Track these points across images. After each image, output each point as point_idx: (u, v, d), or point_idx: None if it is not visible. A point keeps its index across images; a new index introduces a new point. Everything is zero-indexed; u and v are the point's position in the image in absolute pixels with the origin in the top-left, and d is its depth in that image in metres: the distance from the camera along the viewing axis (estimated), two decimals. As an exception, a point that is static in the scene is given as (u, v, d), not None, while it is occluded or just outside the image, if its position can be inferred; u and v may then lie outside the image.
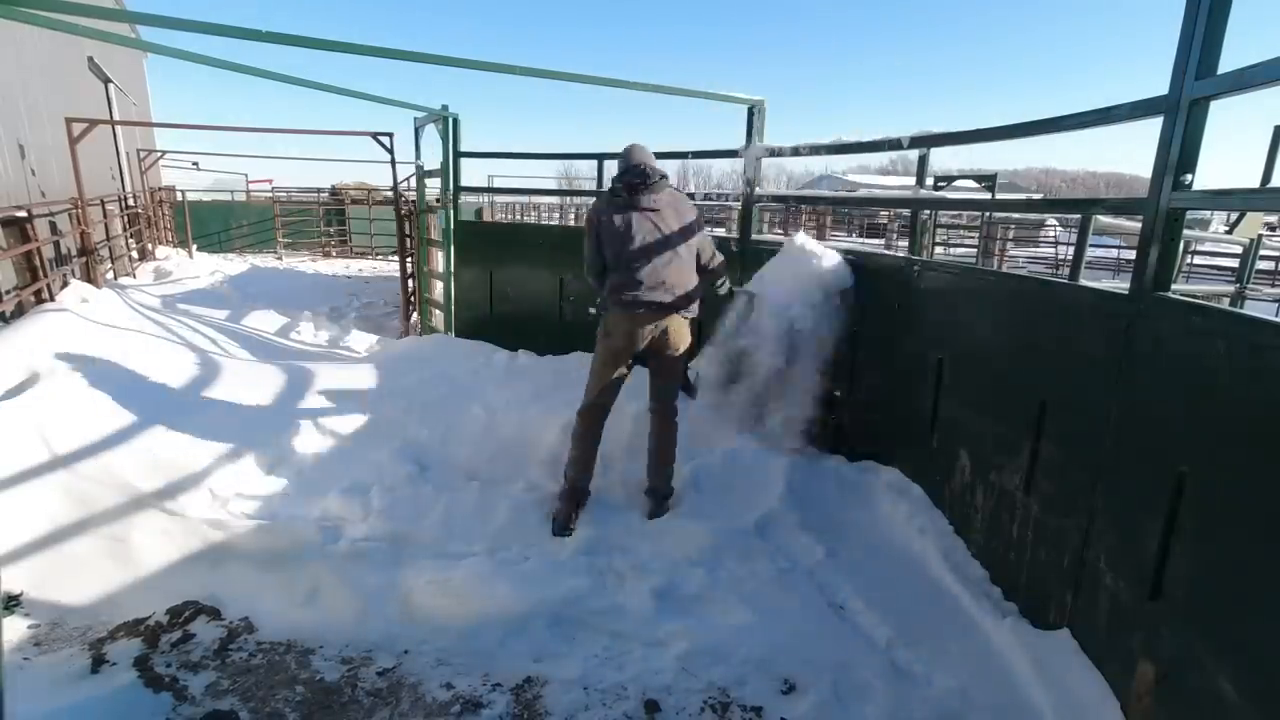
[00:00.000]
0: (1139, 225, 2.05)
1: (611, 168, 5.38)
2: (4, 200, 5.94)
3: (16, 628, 2.24)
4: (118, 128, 11.70)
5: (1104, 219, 5.14)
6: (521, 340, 5.53)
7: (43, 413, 3.07)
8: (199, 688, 2.07)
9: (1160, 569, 1.84)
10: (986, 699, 2.13)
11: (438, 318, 6.29)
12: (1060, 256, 13.99)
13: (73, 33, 3.54)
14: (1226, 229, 9.25)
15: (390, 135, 8.93)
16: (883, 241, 16.42)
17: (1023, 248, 16.70)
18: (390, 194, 11.05)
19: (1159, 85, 1.97)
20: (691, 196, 5.14)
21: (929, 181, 3.56)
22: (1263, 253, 9.43)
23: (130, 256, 10.11)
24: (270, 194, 18.47)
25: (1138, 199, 2.07)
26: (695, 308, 3.19)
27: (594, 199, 3.32)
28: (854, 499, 3.30)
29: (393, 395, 4.41)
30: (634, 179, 3.02)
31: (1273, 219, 14.08)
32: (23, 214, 5.76)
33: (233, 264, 11.97)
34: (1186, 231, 2.57)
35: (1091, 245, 3.04)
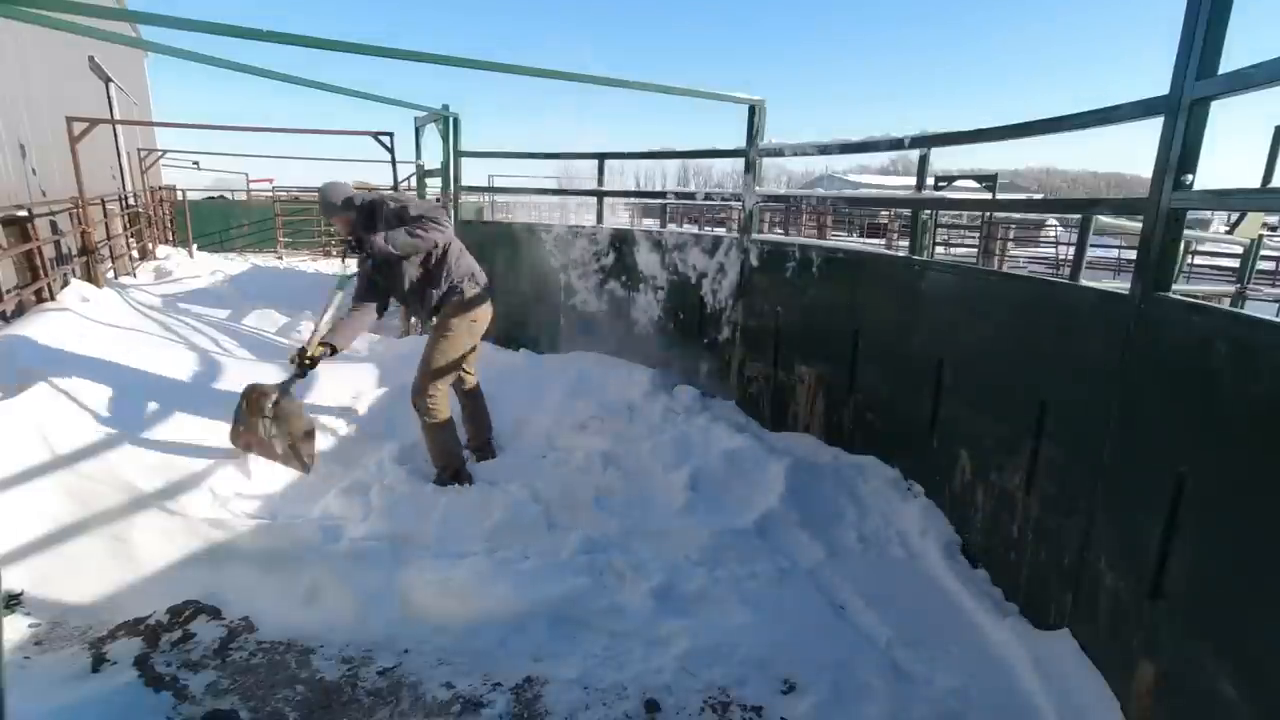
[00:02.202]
0: (1140, 225, 2.05)
1: (612, 167, 5.40)
2: (5, 199, 5.94)
3: (17, 627, 2.24)
4: (118, 127, 11.69)
5: (1105, 219, 5.14)
6: (522, 339, 5.53)
7: (43, 413, 3.07)
8: (199, 687, 2.07)
9: (1160, 569, 1.84)
10: (986, 699, 2.13)
11: (438, 317, 6.28)
12: (1061, 257, 13.98)
13: (73, 32, 3.53)
14: (1227, 229, 9.24)
15: (390, 135, 8.93)
16: (883, 241, 16.42)
17: (1023, 248, 16.70)
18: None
19: (1159, 85, 1.98)
20: (692, 196, 5.15)
21: (929, 181, 3.56)
22: (1263, 253, 9.44)
23: (131, 256, 10.10)
24: (271, 193, 18.45)
25: (1138, 199, 2.07)
26: None
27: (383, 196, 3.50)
28: (854, 499, 3.30)
29: (393, 394, 4.41)
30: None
31: (1273, 219, 14.07)
32: (23, 213, 5.76)
33: (233, 263, 11.96)
34: (1187, 231, 2.57)
35: (1092, 245, 3.05)
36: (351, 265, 3.53)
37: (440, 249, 3.37)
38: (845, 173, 43.24)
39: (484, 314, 3.51)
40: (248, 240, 15.75)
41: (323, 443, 3.72)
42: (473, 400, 3.77)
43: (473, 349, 3.57)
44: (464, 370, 3.66)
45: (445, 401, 3.46)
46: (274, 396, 3.24)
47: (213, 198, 17.14)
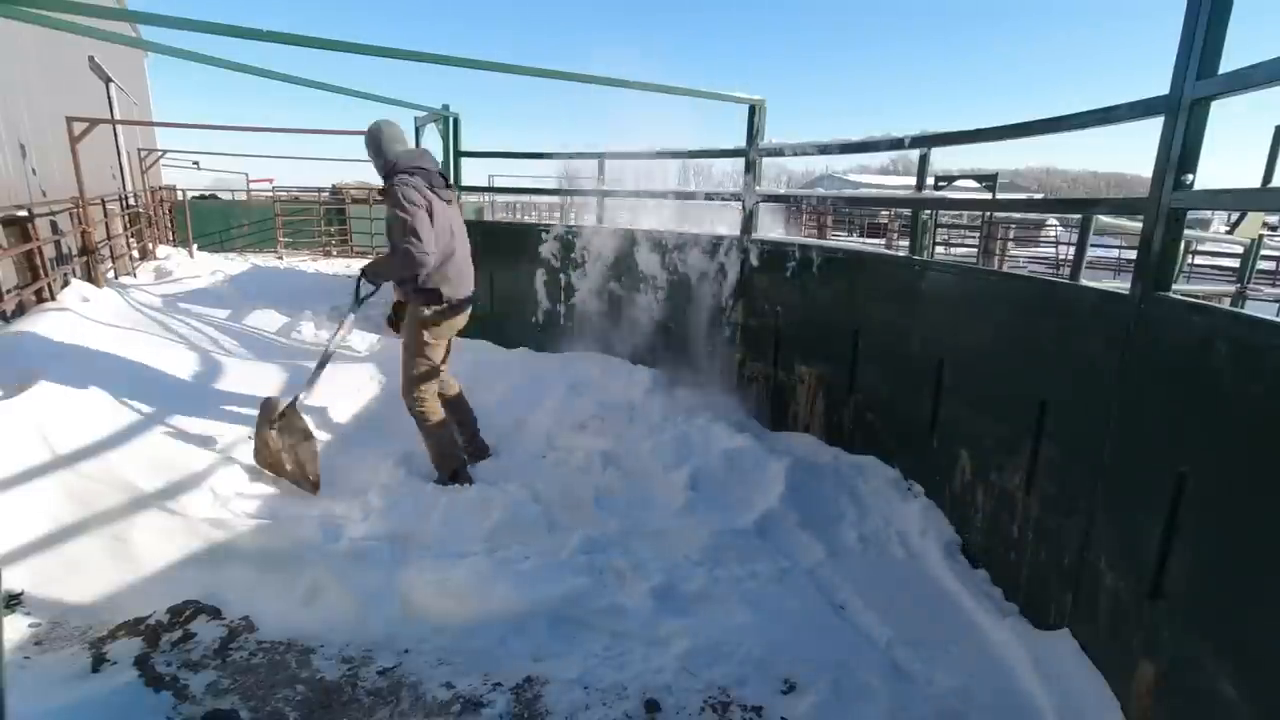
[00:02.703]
0: (1140, 225, 2.05)
1: (612, 167, 5.41)
2: (5, 199, 5.94)
3: (17, 626, 2.24)
4: (118, 127, 11.68)
5: (1105, 219, 5.14)
6: (521, 338, 5.54)
7: (43, 412, 3.07)
8: (199, 687, 2.07)
9: (1160, 569, 1.84)
10: (987, 699, 2.13)
11: (438, 317, 6.28)
12: (1061, 256, 13.99)
13: (73, 32, 3.53)
14: (1227, 229, 9.24)
15: (391, 135, 8.91)
16: (883, 241, 16.42)
17: (1023, 248, 16.71)
18: (391, 193, 11.00)
19: (1159, 85, 1.98)
20: (692, 196, 5.15)
21: (929, 181, 3.56)
22: (1263, 253, 9.44)
23: (131, 256, 10.10)
24: (271, 193, 18.45)
25: (1138, 199, 2.07)
26: None
27: (404, 178, 3.12)
28: (854, 499, 3.30)
29: (393, 393, 4.41)
30: (431, 167, 3.24)
31: (1273, 219, 14.07)
32: (24, 213, 5.76)
33: (233, 263, 11.96)
34: (1187, 231, 2.57)
35: (1092, 245, 3.05)
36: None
37: (431, 263, 3.21)
38: (845, 173, 43.22)
39: (452, 321, 3.41)
40: (248, 240, 15.74)
41: (323, 442, 3.72)
42: (462, 398, 3.76)
43: (443, 351, 3.47)
44: (448, 372, 3.61)
45: (434, 401, 3.45)
46: (282, 407, 3.26)
47: (204, 196, 17.09)
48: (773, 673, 2.21)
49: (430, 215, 3.15)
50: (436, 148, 5.74)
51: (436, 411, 3.44)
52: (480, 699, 2.08)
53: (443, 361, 3.54)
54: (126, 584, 2.46)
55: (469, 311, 3.51)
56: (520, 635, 2.33)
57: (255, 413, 3.53)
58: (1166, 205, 1.94)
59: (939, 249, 14.68)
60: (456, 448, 3.53)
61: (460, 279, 3.40)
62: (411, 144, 3.39)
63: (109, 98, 11.94)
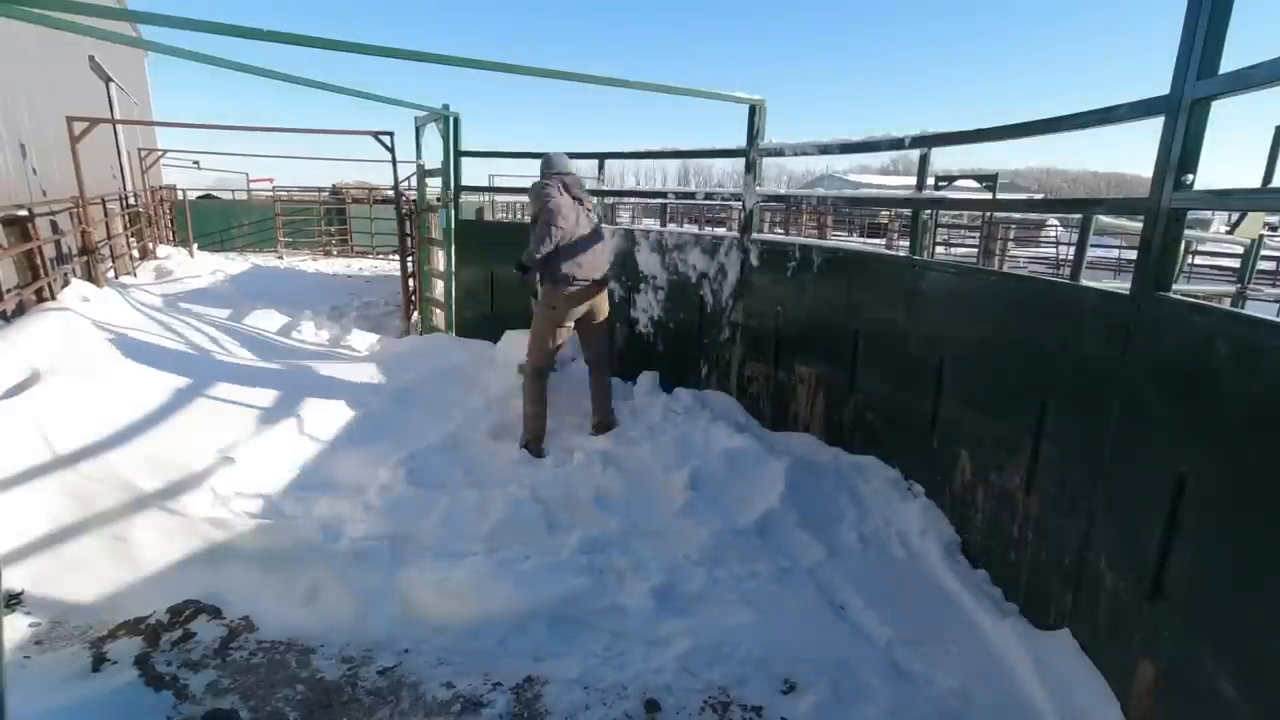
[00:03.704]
0: (1140, 225, 2.05)
1: (613, 167, 5.41)
2: (5, 199, 5.94)
3: (18, 626, 2.24)
4: (119, 126, 11.68)
5: (1105, 219, 5.14)
6: (522, 340, 5.53)
7: (43, 412, 3.07)
8: (199, 686, 2.07)
9: (1160, 569, 1.84)
10: (987, 699, 2.13)
11: (439, 317, 6.29)
12: (1061, 257, 13.98)
13: (74, 32, 3.53)
14: (1227, 229, 9.24)
15: (391, 134, 8.90)
16: (883, 241, 16.42)
17: (1024, 248, 16.70)
18: (391, 193, 11.04)
19: (1160, 85, 1.98)
20: (692, 196, 5.15)
21: (929, 181, 3.56)
22: (1263, 253, 9.44)
23: (131, 255, 10.09)
24: (271, 193, 18.44)
25: (1139, 199, 2.07)
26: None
27: (539, 184, 3.83)
28: (854, 499, 3.30)
29: (393, 394, 4.41)
30: (568, 176, 3.84)
31: (1274, 219, 14.07)
32: (24, 213, 5.75)
33: (234, 263, 11.96)
34: (1187, 231, 2.57)
35: (1092, 245, 3.05)
36: None
37: (552, 245, 3.70)
38: (845, 173, 43.19)
39: (563, 303, 3.80)
40: (248, 240, 15.75)
41: (324, 442, 3.72)
42: (596, 381, 4.06)
43: (563, 330, 3.90)
44: (583, 352, 4.18)
45: (541, 377, 3.85)
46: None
47: (204, 197, 17.09)
48: (773, 673, 2.21)
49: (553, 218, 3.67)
50: (437, 147, 5.74)
51: (537, 391, 3.82)
52: (480, 699, 2.08)
53: (585, 347, 4.11)
54: (126, 584, 2.46)
55: (595, 298, 3.92)
56: (520, 635, 2.33)
57: (254, 413, 3.52)
58: (1167, 205, 1.94)
59: (939, 249, 14.68)
60: (540, 426, 3.86)
61: (566, 270, 3.76)
62: (559, 165, 3.92)
63: (109, 97, 11.95)
